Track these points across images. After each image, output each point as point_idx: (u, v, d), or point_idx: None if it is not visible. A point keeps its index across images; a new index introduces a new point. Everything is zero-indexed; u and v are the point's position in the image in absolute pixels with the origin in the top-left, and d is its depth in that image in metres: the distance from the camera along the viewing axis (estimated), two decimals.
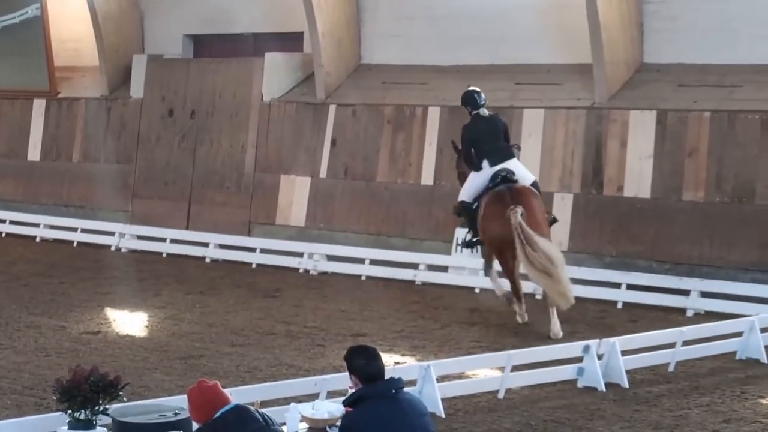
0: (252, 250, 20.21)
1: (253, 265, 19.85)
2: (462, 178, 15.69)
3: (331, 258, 19.31)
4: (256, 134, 21.78)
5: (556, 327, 14.18)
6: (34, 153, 24.94)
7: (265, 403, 8.44)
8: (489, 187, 14.80)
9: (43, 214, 23.30)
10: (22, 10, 24.86)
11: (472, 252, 16.62)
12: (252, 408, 6.95)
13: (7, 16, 25.08)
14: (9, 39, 25.09)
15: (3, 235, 22.93)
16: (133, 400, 8.33)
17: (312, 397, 9.74)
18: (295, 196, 21.06)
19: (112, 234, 21.79)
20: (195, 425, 7.13)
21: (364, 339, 13.48)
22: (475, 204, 14.96)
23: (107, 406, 7.72)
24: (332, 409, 7.73)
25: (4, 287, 17.25)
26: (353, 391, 7.26)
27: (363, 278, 18.49)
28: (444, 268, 18.41)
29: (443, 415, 10.42)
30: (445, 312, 16.10)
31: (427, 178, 19.69)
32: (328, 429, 7.59)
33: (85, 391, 7.69)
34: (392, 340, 13.93)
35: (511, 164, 15.05)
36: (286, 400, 9.44)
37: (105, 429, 7.77)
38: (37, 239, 22.44)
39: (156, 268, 19.71)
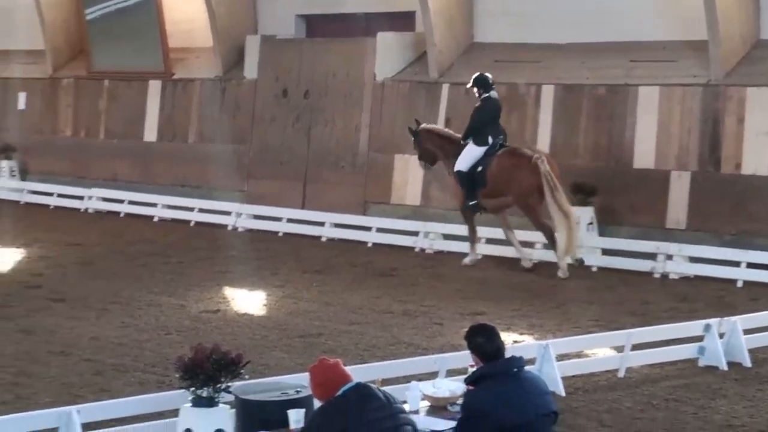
0: (367, 229, 20.24)
1: (369, 244, 19.88)
2: (428, 156, 17.96)
3: (446, 237, 19.26)
4: (369, 114, 21.81)
5: (564, 267, 16.58)
6: (150, 134, 25.25)
7: (385, 381, 8.47)
8: (490, 153, 17.04)
9: (160, 194, 23.56)
10: None
11: (478, 215, 17.73)
12: (373, 386, 6.96)
13: None
14: (123, 21, 25.36)
15: (121, 215, 23.24)
16: (254, 378, 8.38)
17: (431, 375, 9.74)
18: (410, 175, 21.05)
19: (228, 213, 21.97)
20: (317, 403, 7.17)
21: (482, 318, 13.43)
22: (479, 167, 17.00)
23: (229, 384, 7.78)
24: (453, 387, 7.74)
25: (124, 266, 17.52)
26: (474, 369, 7.25)
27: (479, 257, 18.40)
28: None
29: (563, 394, 10.38)
30: (561, 290, 16.00)
31: None
32: (449, 407, 7.60)
33: (207, 369, 7.75)
34: (509, 319, 13.88)
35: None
36: (406, 379, 9.47)
37: (227, 406, 7.85)
38: (155, 219, 22.70)
39: (272, 247, 19.85)
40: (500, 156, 17.05)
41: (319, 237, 20.62)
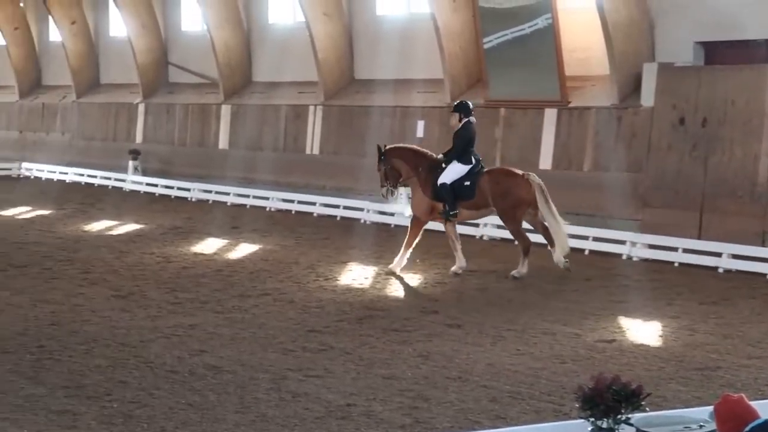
0: (766, 260, 19.55)
1: None
2: (392, 174, 19.50)
3: None
4: None
5: (561, 258, 18.82)
6: (545, 162, 25.37)
7: None
8: (472, 171, 19.06)
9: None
10: (532, 21, 25.28)
11: (450, 221, 19.34)
12: None
13: (517, 27, 25.56)
14: (520, 49, 25.59)
15: (515, 243, 23.36)
16: (651, 411, 8.19)
17: None
18: None
19: (623, 242, 21.76)
20: None
21: None
22: (467, 182, 18.97)
23: (629, 416, 7.64)
24: None
25: (517, 293, 17.63)
26: None
27: None
28: None
29: None
30: None
31: None
32: None
33: (607, 400, 7.64)
34: None
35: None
36: None
37: None
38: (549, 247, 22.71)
39: (667, 277, 19.50)
40: (492, 173, 19.37)
41: (715, 268, 20.08)
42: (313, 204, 28.35)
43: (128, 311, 15.83)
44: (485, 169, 19.36)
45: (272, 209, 28.96)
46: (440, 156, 19.46)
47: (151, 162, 36.18)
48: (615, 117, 24.07)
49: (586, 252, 22.07)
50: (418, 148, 20.37)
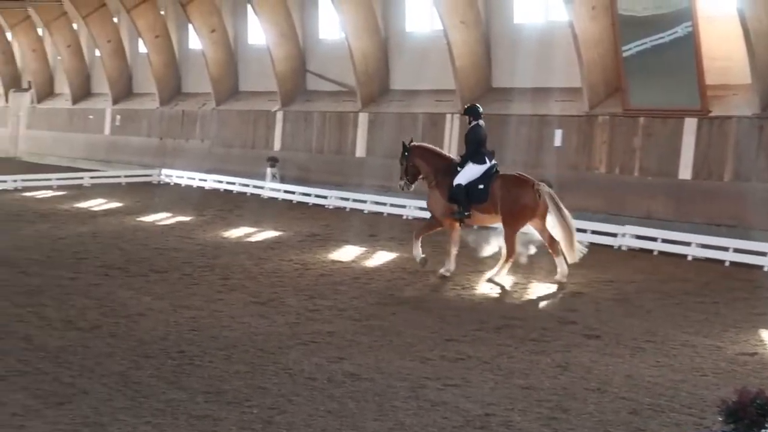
0: None
1: None
2: (411, 170, 20.16)
3: None
4: None
5: (564, 271, 19.14)
6: (685, 172, 25.02)
7: None
8: (489, 173, 19.48)
9: (695, 232, 23.24)
10: (672, 29, 24.92)
11: (461, 223, 19.94)
12: None
13: (657, 35, 25.24)
14: (659, 58, 25.25)
15: (654, 252, 23.17)
16: None
17: None
18: None
19: (765, 254, 21.35)
20: None
21: None
22: (481, 185, 19.38)
23: None
24: None
25: (657, 305, 17.44)
26: None
27: None
28: None
29: None
30: None
31: None
32: None
33: (751, 414, 7.55)
34: None
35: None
36: None
37: None
38: (688, 258, 22.44)
39: None
40: (504, 179, 19.54)
41: None
42: None
43: (267, 318, 16.02)
44: (499, 174, 19.72)
45: (409, 217, 29.03)
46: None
47: (288, 169, 36.54)
48: (756, 126, 23.64)
49: (727, 264, 21.70)
50: (440, 150, 21.11)
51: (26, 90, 56.83)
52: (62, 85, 53.75)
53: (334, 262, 21.55)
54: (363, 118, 34.14)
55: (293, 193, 34.18)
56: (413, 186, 20.67)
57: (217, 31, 41.10)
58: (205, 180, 38.97)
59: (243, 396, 11.73)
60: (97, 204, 33.60)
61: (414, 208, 29.00)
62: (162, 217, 29.80)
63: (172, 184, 40.61)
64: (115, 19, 48.17)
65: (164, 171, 41.87)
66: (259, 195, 35.55)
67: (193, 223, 28.41)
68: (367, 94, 34.09)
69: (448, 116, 30.95)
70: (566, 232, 18.99)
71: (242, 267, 20.72)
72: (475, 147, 19.79)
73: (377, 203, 31.00)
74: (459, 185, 19.60)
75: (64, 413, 11.16)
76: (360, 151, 34.32)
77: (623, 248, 23.74)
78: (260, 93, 39.94)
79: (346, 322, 15.75)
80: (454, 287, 18.70)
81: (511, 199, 19.24)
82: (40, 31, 54.37)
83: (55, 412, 11.22)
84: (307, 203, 33.02)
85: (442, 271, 19.80)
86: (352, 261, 21.73)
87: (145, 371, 12.85)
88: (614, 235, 24.06)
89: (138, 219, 29.44)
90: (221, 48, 41.30)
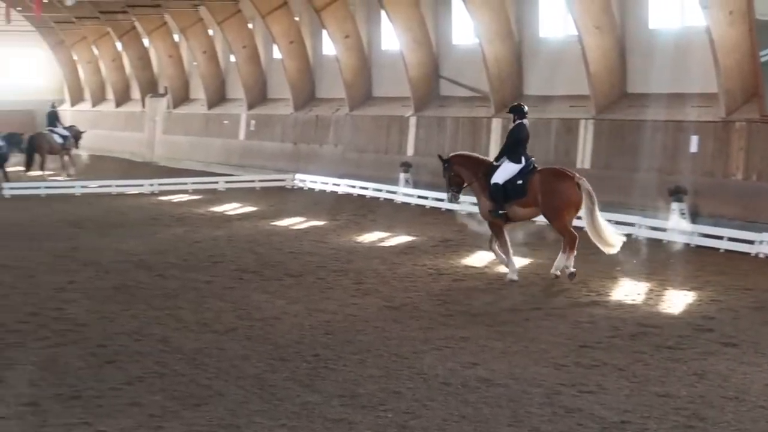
0: None
1: None
2: (455, 180, 20.66)
3: None
4: None
5: (562, 264, 19.40)
6: None
7: None
8: (524, 170, 19.79)
9: None
10: None
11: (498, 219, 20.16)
12: None
13: None
14: None
15: None
16: None
17: None
18: None
19: None
20: None
21: None
22: (519, 181, 19.72)
23: None
24: None
25: None
26: None
27: None
28: None
29: None
30: None
31: None
32: None
33: None
34: None
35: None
36: None
37: None
38: None
39: None
40: (544, 173, 19.92)
41: None
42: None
43: (401, 322, 16.09)
44: (538, 168, 20.07)
45: (542, 223, 28.78)
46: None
47: (422, 175, 36.58)
48: None
49: None
50: (477, 155, 21.81)
51: (162, 95, 57.85)
52: (197, 91, 54.60)
53: (467, 267, 21.55)
54: (496, 124, 34.05)
55: (426, 198, 34.21)
56: (460, 195, 21.11)
57: (351, 36, 41.37)
58: (338, 185, 39.22)
59: (377, 400, 11.80)
60: (231, 208, 34.07)
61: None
62: (296, 222, 30.10)
63: (305, 188, 40.97)
64: (250, 25, 48.78)
65: (298, 176, 42.26)
66: (393, 200, 35.67)
67: (327, 228, 28.63)
68: (500, 100, 34.00)
69: (582, 122, 30.72)
70: (596, 230, 19.52)
71: (376, 271, 20.83)
72: (513, 144, 20.13)
73: None
74: (496, 184, 19.98)
75: (200, 415, 11.36)
76: (493, 156, 34.19)
77: (761, 256, 23.29)
78: (393, 98, 40.08)
79: (479, 327, 15.75)
80: (589, 293, 18.56)
81: (552, 192, 19.64)
82: (176, 37, 55.29)
83: (191, 413, 11.42)
84: (440, 208, 33.03)
85: (509, 277, 19.84)
86: (485, 267, 21.68)
87: (281, 374, 13.01)
88: (751, 242, 23.63)
89: (272, 223, 29.78)
90: (355, 53, 41.56)
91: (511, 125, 20.35)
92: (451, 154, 21.22)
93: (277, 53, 46.76)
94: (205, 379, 12.86)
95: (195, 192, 39.56)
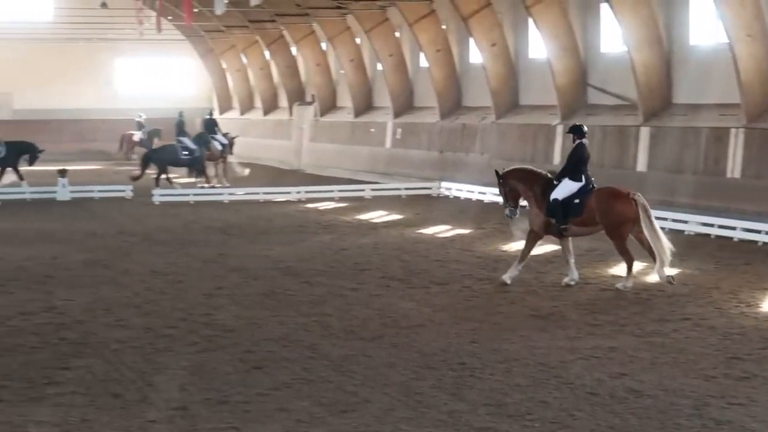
0: None
1: None
2: (511, 195, 20.96)
3: None
4: None
5: (663, 273, 19.69)
6: None
7: None
8: (585, 189, 20.28)
9: None
10: None
11: (562, 235, 20.54)
12: None
13: None
14: None
15: None
16: None
17: None
18: None
19: None
20: None
21: None
22: (577, 200, 20.19)
23: None
24: None
25: None
26: None
27: None
28: None
29: None
30: None
31: None
32: None
33: None
34: None
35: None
36: None
37: None
38: None
39: None
40: (599, 192, 20.40)
41: None
42: (734, 228, 27.62)
43: (547, 331, 16.02)
44: (595, 188, 20.52)
45: (691, 233, 28.43)
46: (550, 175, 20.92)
47: None
48: None
49: None
50: (533, 168, 21.86)
51: (310, 103, 58.48)
52: (344, 99, 55.07)
53: (614, 277, 21.33)
54: (644, 133, 33.65)
55: None
56: (518, 210, 21.20)
57: (498, 44, 41.32)
58: (484, 193, 39.13)
59: (524, 409, 11.77)
60: (377, 216, 34.27)
61: (696, 224, 28.36)
62: (442, 230, 30.14)
63: (451, 197, 40.99)
64: (397, 34, 49.05)
65: (443, 184, 42.30)
66: None
67: (473, 236, 28.62)
68: (648, 108, 33.60)
69: (733, 130, 30.18)
70: (657, 242, 19.70)
71: (522, 280, 20.75)
72: (575, 164, 20.57)
73: (657, 218, 30.39)
74: (555, 200, 20.38)
75: (347, 421, 11.45)
76: (641, 165, 33.84)
77: None
78: (540, 107, 39.92)
79: (627, 337, 15.60)
80: (738, 304, 18.23)
81: (609, 210, 20.09)
82: (323, 45, 55.87)
83: (338, 419, 11.52)
84: None
85: (566, 280, 20.41)
86: (632, 276, 21.41)
87: (427, 382, 13.05)
88: None
89: (418, 231, 29.88)
90: (502, 61, 41.50)
91: (573, 145, 20.70)
92: (506, 170, 21.44)
93: (423, 61, 46.93)
94: (352, 385, 12.96)
95: (341, 200, 39.87)
